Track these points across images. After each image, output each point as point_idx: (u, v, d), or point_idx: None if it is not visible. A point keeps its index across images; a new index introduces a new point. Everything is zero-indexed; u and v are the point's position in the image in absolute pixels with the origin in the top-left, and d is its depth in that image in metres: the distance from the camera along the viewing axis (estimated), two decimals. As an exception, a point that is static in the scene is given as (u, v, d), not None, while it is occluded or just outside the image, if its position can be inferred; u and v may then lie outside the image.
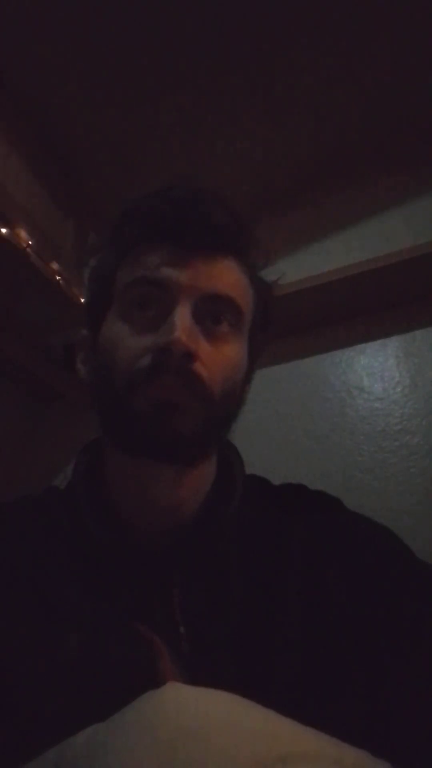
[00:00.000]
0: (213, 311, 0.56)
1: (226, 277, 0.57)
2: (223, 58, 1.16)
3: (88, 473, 0.61)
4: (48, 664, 0.47)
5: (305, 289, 1.19)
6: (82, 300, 1.15)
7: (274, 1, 1.05)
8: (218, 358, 0.55)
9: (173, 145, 1.33)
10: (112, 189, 1.43)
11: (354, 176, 1.37)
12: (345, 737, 0.34)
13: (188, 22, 1.09)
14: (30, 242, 1.11)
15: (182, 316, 0.52)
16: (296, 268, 1.26)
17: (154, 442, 0.52)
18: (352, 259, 1.18)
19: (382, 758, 0.35)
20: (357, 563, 0.56)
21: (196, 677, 0.42)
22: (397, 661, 0.50)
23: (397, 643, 0.50)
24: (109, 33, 1.11)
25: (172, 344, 0.50)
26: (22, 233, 1.11)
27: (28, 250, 1.11)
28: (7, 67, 1.19)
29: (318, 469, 1.15)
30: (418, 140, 1.29)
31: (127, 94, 1.24)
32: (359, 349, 1.24)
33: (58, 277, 1.18)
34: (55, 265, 1.18)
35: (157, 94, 1.23)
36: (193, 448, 0.54)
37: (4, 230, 1.07)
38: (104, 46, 1.14)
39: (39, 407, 1.47)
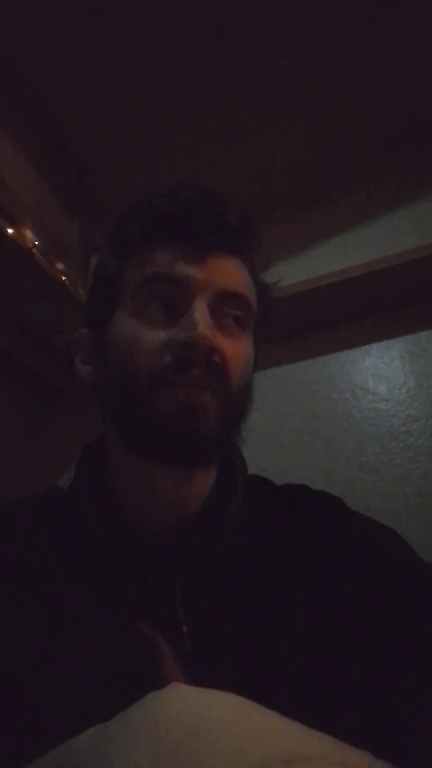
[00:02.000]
0: (227, 308, 0.56)
1: (237, 275, 0.58)
2: (228, 60, 1.16)
3: (90, 473, 0.61)
4: (51, 664, 0.47)
5: (310, 290, 1.19)
6: (88, 300, 1.15)
7: (278, 6, 1.05)
8: (235, 354, 0.55)
9: (178, 146, 1.33)
10: (117, 189, 1.43)
11: (360, 177, 1.37)
12: (347, 738, 0.34)
13: (192, 25, 1.09)
14: (36, 242, 1.12)
15: (202, 312, 0.53)
16: (302, 269, 1.26)
17: (175, 443, 0.52)
18: (357, 259, 1.18)
19: (385, 760, 0.35)
20: (359, 563, 0.55)
21: (198, 677, 0.42)
22: (400, 663, 0.49)
23: (399, 644, 0.50)
24: (114, 35, 1.11)
25: (197, 339, 0.51)
26: (28, 233, 1.11)
27: (34, 250, 1.11)
28: (13, 68, 1.19)
29: (322, 469, 1.15)
30: (424, 140, 1.29)
31: (132, 95, 1.24)
32: (364, 350, 1.24)
33: (63, 277, 1.18)
34: (60, 265, 1.18)
35: (163, 96, 1.24)
36: (211, 449, 0.54)
37: (10, 230, 1.07)
38: (110, 49, 1.14)
39: (43, 406, 1.47)
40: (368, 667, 0.49)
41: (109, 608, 0.51)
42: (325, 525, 0.59)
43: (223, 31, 1.10)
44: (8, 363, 1.29)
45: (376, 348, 1.23)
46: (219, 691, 0.35)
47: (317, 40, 1.11)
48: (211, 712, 0.32)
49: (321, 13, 1.06)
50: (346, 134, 1.31)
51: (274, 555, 0.57)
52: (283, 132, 1.30)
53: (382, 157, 1.34)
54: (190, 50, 1.14)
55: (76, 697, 0.44)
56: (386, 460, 1.11)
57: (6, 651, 0.48)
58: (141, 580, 0.53)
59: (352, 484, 1.11)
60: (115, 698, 0.36)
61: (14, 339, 1.25)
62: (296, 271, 1.22)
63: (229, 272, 0.57)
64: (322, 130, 1.30)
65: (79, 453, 0.64)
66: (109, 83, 1.21)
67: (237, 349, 0.56)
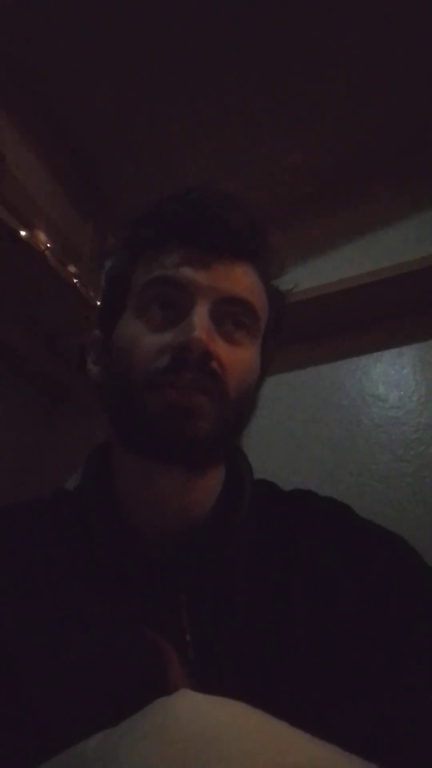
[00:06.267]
0: (230, 314, 0.56)
1: (244, 281, 0.57)
2: (244, 69, 1.16)
3: (97, 476, 0.61)
4: (57, 669, 0.47)
5: (322, 296, 1.18)
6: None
7: (294, 10, 1.05)
8: (234, 360, 0.55)
9: (193, 149, 1.34)
10: (130, 192, 1.44)
11: (374, 183, 1.37)
12: (353, 748, 0.34)
13: (210, 32, 1.09)
14: (48, 245, 1.12)
15: (201, 316, 0.53)
16: (313, 275, 1.26)
17: (168, 443, 0.52)
18: (369, 266, 1.17)
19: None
20: (366, 570, 0.55)
21: (202, 684, 0.42)
22: (408, 673, 0.49)
23: (406, 652, 0.49)
24: (131, 41, 1.12)
25: (191, 343, 0.50)
26: (41, 236, 1.12)
27: (47, 252, 1.12)
28: (31, 74, 1.20)
29: (332, 476, 1.15)
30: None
31: (147, 101, 1.25)
32: (375, 357, 1.24)
33: (75, 280, 1.19)
34: (72, 268, 1.19)
35: (178, 102, 1.24)
36: (207, 452, 0.54)
37: (23, 232, 1.08)
38: (126, 54, 1.15)
39: (52, 407, 1.48)
40: (375, 676, 0.49)
41: (115, 613, 0.51)
42: (333, 532, 0.59)
43: (240, 34, 1.10)
44: (19, 363, 1.30)
45: (387, 355, 1.23)
46: (228, 699, 0.34)
47: (335, 54, 1.12)
48: (220, 720, 0.32)
49: (333, 17, 1.07)
50: (363, 140, 1.31)
51: (279, 562, 0.56)
52: (300, 137, 1.30)
53: (398, 163, 1.34)
54: (208, 59, 1.15)
55: (83, 702, 0.44)
56: (396, 468, 1.10)
57: (12, 655, 0.48)
58: (146, 587, 0.53)
59: (360, 491, 1.10)
60: (122, 703, 0.36)
61: (25, 340, 1.26)
62: (308, 277, 1.22)
63: (234, 277, 0.56)
64: (338, 135, 1.30)
65: (86, 455, 0.64)
66: (125, 87, 1.22)
67: (237, 355, 0.55)
